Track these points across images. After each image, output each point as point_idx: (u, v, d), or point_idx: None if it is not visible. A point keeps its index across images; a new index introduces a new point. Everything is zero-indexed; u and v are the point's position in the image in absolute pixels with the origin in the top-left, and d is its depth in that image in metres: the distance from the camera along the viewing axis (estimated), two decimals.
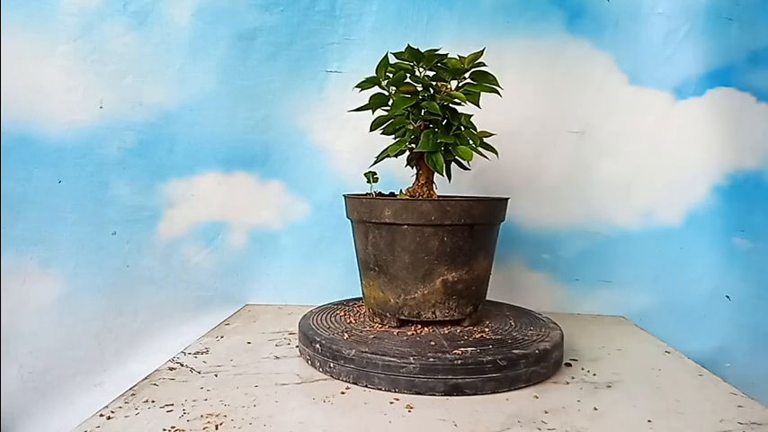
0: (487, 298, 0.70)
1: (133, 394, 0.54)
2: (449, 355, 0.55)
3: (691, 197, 0.87)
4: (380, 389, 0.55)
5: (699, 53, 0.85)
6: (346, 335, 0.62)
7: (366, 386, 0.56)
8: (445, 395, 0.54)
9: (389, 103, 0.66)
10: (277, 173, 0.91)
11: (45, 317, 0.84)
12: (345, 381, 0.57)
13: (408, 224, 0.61)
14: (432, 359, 0.55)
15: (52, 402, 0.84)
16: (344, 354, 0.57)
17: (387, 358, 0.55)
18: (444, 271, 0.63)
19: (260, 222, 0.92)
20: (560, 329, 0.65)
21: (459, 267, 0.63)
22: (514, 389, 0.56)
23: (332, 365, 0.58)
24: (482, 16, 0.87)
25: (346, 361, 0.57)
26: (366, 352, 0.56)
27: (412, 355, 0.55)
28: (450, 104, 0.66)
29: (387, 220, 0.62)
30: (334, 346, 0.58)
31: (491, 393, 0.55)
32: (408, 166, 0.70)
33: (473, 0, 0.86)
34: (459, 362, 0.54)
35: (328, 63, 0.88)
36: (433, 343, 0.59)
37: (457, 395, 0.54)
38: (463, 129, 0.65)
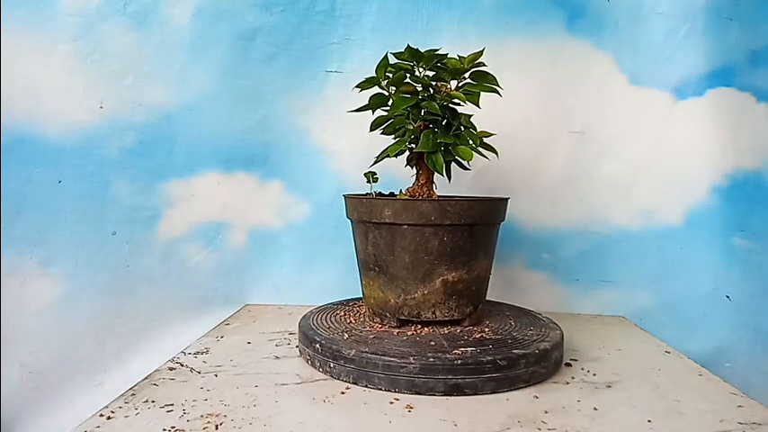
0: (487, 298, 0.70)
1: (133, 394, 0.54)
2: (449, 355, 0.55)
3: (691, 197, 0.87)
4: (380, 389, 0.55)
5: (699, 53, 0.85)
6: (346, 335, 0.62)
7: (366, 386, 0.56)
8: (445, 395, 0.54)
9: (389, 103, 0.66)
10: (277, 173, 0.91)
11: (45, 317, 0.84)
12: (345, 381, 0.57)
13: (408, 224, 0.61)
14: (432, 359, 0.55)
15: (52, 402, 0.84)
16: (344, 354, 0.57)
17: (387, 358, 0.55)
18: (444, 271, 0.63)
19: (260, 222, 0.92)
20: (560, 329, 0.65)
21: (460, 267, 0.63)
22: (514, 389, 0.56)
23: (332, 365, 0.58)
24: (482, 16, 0.87)
25: (346, 361, 0.57)
26: (366, 352, 0.56)
27: (412, 355, 0.55)
28: (450, 104, 0.66)
29: (387, 220, 0.62)
30: (334, 346, 0.58)
31: (491, 393, 0.55)
32: (408, 166, 0.70)
33: (473, 0, 0.87)
34: (459, 362, 0.54)
35: (328, 63, 0.88)
36: (433, 343, 0.59)
37: (457, 395, 0.54)
38: (463, 129, 0.65)
